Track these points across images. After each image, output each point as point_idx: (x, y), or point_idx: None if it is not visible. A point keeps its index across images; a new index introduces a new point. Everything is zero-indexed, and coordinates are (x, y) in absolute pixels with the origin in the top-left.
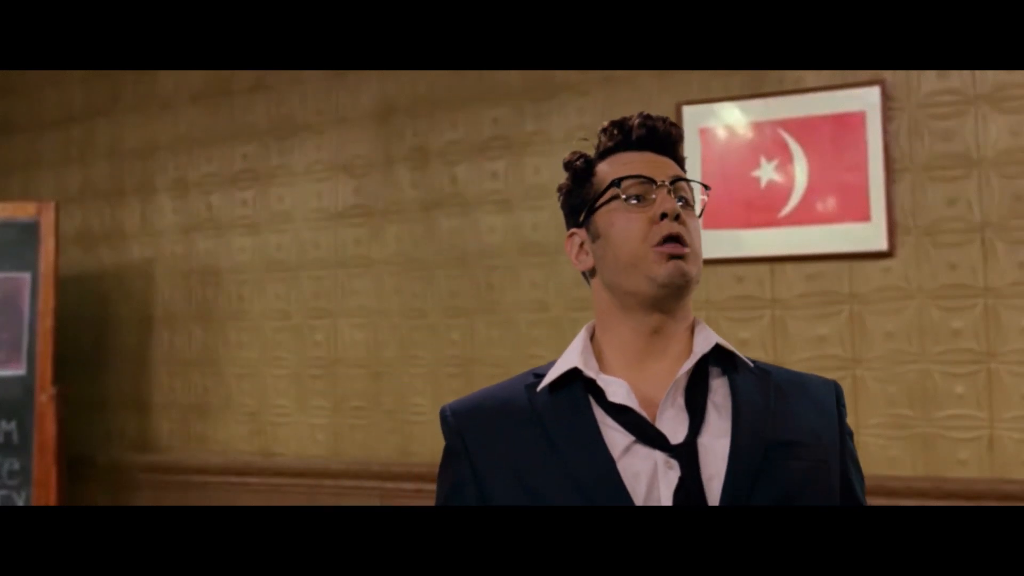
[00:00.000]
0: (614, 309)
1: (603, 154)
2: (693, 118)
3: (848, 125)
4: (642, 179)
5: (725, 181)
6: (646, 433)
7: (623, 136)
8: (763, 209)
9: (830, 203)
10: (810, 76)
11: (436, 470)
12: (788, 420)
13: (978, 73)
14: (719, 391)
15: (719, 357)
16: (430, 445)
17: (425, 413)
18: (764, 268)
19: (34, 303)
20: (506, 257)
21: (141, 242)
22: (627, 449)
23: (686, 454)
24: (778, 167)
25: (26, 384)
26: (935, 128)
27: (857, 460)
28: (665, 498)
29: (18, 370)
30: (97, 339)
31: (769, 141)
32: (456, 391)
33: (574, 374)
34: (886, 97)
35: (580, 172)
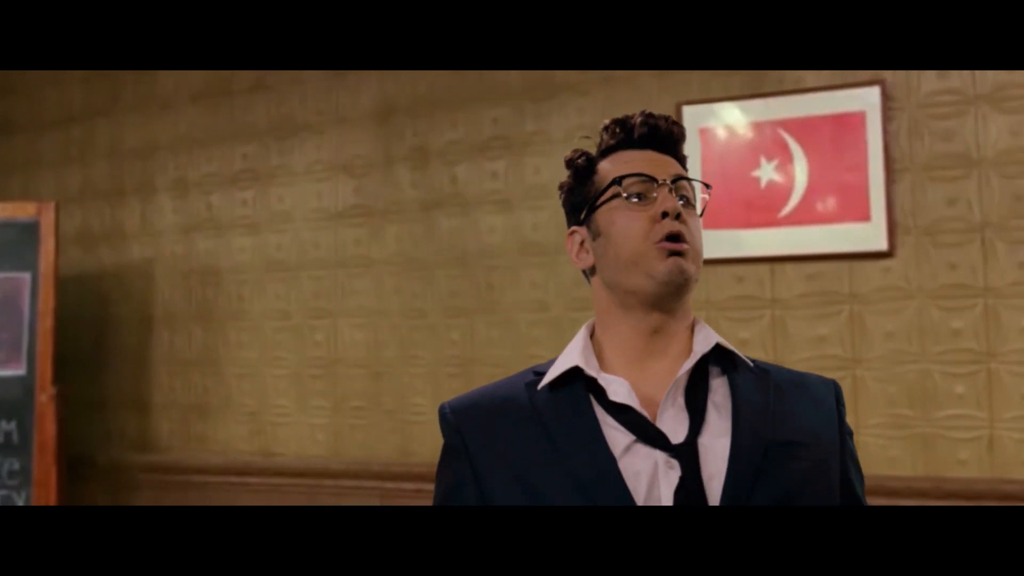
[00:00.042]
0: (614, 308)
1: (605, 152)
2: (693, 118)
3: (848, 125)
4: (644, 177)
5: (725, 181)
6: (647, 432)
7: (625, 134)
8: (763, 209)
9: (830, 203)
10: (810, 76)
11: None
12: (788, 420)
13: (978, 73)
14: (719, 391)
15: (719, 357)
16: (430, 445)
17: (425, 413)
18: (764, 268)
19: (34, 303)
20: (506, 257)
21: (141, 242)
22: (628, 448)
23: (686, 454)
24: (778, 167)
25: (26, 384)
26: (935, 128)
27: (857, 459)
28: (666, 497)
29: (18, 370)
30: (97, 339)
31: (769, 141)
32: (456, 391)
33: (574, 373)
34: (886, 97)
35: (581, 170)
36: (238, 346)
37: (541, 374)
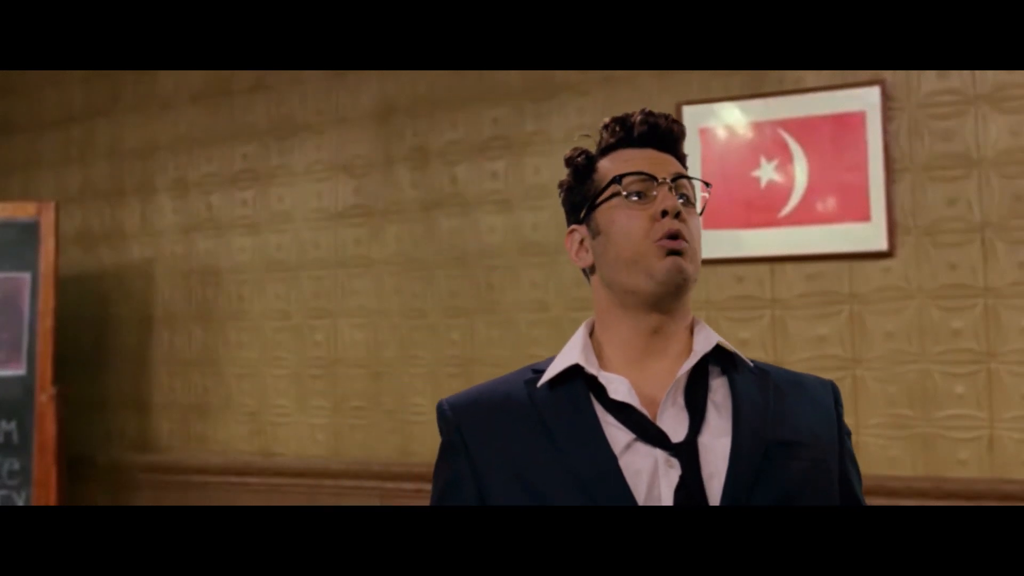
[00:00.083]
0: (614, 307)
1: (604, 150)
2: (693, 118)
3: (848, 125)
4: (643, 176)
5: (725, 181)
6: (647, 431)
7: (625, 132)
8: (763, 209)
9: (830, 203)
10: (810, 76)
11: None
12: (788, 420)
13: (978, 73)
14: (719, 390)
15: (718, 357)
16: (430, 445)
17: (425, 413)
18: (764, 268)
19: (34, 303)
20: (506, 257)
21: (141, 242)
22: (628, 446)
23: (687, 453)
24: (778, 167)
25: (26, 384)
26: (935, 128)
27: (855, 460)
28: (666, 496)
29: (18, 370)
30: (97, 339)
31: (769, 141)
32: (456, 391)
33: (574, 371)
34: (886, 97)
35: (581, 168)
36: (238, 346)
37: (540, 372)
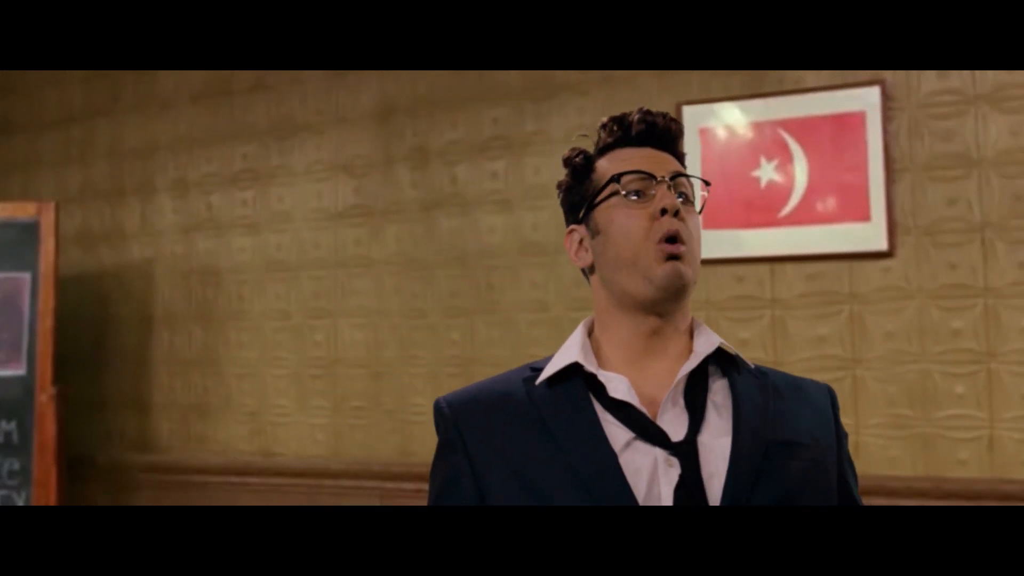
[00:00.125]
0: (613, 307)
1: (603, 150)
2: (693, 118)
3: (848, 125)
4: (642, 175)
5: (725, 181)
6: (647, 430)
7: (623, 132)
8: (763, 209)
9: (830, 203)
10: (810, 76)
11: None
12: (787, 421)
13: (978, 73)
14: (719, 391)
15: (718, 358)
16: (430, 445)
17: (425, 413)
18: (764, 268)
19: (34, 303)
20: (506, 257)
21: (141, 242)
22: (628, 445)
23: (686, 452)
24: (778, 167)
25: (26, 384)
26: (935, 128)
27: (852, 463)
28: (666, 495)
29: (18, 370)
30: (97, 339)
31: (769, 141)
32: None
33: (573, 369)
34: (886, 97)
35: (579, 168)
36: (238, 346)
37: (538, 370)
